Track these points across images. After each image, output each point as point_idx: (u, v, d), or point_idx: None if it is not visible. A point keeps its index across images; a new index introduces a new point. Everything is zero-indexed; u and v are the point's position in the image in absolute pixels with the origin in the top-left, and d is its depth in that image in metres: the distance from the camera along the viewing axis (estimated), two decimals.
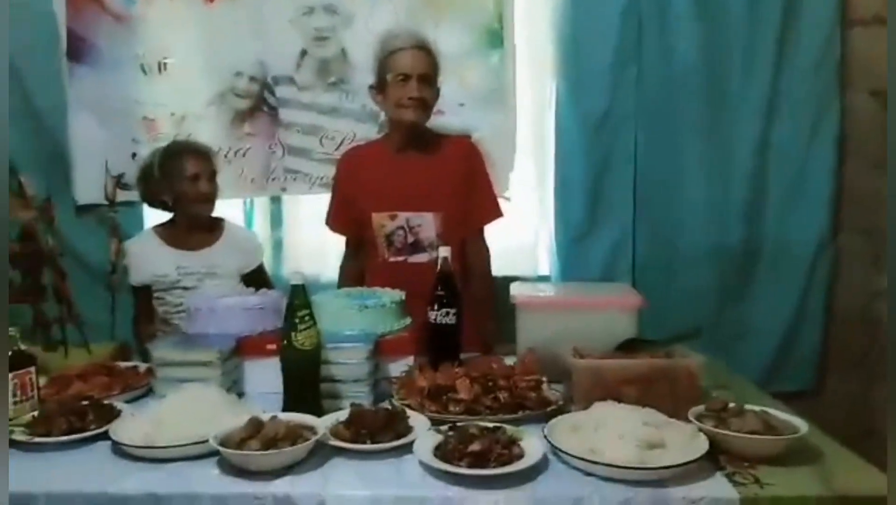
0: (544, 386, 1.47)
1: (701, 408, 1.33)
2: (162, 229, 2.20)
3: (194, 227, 2.18)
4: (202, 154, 2.15)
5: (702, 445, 1.18)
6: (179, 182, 2.10)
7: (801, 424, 1.26)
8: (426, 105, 1.93)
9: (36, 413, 1.35)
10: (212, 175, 2.15)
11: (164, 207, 2.18)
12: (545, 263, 2.71)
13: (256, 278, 2.23)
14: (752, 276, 2.63)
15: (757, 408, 1.31)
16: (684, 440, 1.19)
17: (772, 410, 1.32)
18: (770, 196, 2.59)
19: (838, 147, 2.57)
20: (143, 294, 2.17)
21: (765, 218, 2.60)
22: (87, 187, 2.63)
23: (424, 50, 1.92)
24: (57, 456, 1.25)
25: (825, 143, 2.56)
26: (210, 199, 2.15)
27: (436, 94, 1.97)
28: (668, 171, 2.59)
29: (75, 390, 1.50)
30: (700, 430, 1.23)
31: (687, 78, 2.54)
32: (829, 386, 2.69)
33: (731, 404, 1.33)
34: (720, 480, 1.15)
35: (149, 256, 2.13)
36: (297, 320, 1.34)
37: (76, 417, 1.31)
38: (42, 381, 1.51)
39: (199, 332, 1.63)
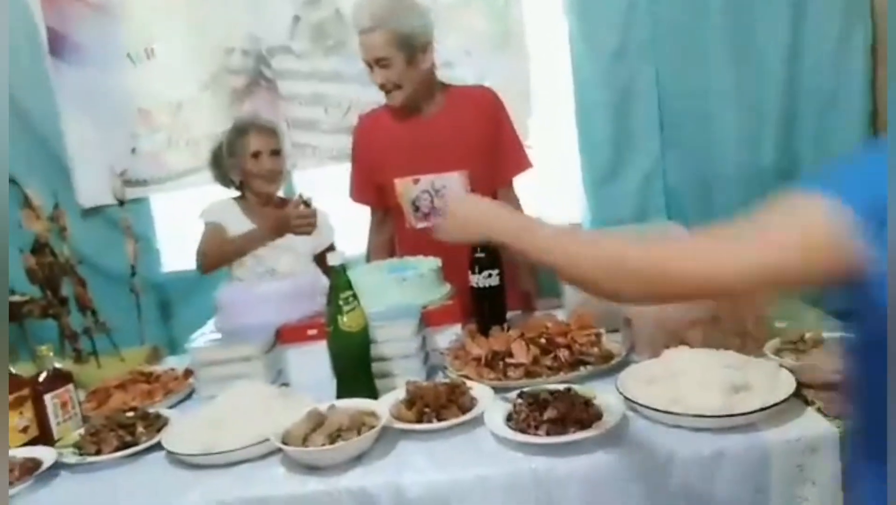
0: (604, 338, 1.40)
1: (776, 342, 1.28)
2: (239, 202, 2.14)
3: (265, 206, 2.12)
4: (265, 130, 2.09)
5: (788, 382, 1.13)
6: (243, 159, 2.05)
7: None
8: (397, 86, 1.80)
9: (82, 431, 1.30)
10: (274, 152, 2.08)
11: (234, 186, 2.13)
12: (572, 208, 2.62)
13: (324, 258, 2.15)
14: None
15: (837, 334, 1.25)
16: (768, 379, 1.13)
17: None
18: (803, 112, 2.44)
19: (871, 56, 2.39)
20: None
21: (800, 135, 2.46)
22: (90, 189, 2.54)
23: (380, 29, 1.74)
24: (111, 474, 1.19)
25: (856, 52, 2.38)
26: (272, 176, 2.09)
27: (405, 66, 1.78)
28: (693, 97, 2.46)
29: (117, 402, 1.46)
30: (782, 365, 1.17)
31: None
32: None
33: (808, 334, 1.27)
34: (813, 416, 1.10)
35: (230, 218, 2.06)
36: (341, 303, 1.26)
37: (125, 431, 1.25)
38: (80, 395, 1.46)
39: (235, 325, 1.56)
